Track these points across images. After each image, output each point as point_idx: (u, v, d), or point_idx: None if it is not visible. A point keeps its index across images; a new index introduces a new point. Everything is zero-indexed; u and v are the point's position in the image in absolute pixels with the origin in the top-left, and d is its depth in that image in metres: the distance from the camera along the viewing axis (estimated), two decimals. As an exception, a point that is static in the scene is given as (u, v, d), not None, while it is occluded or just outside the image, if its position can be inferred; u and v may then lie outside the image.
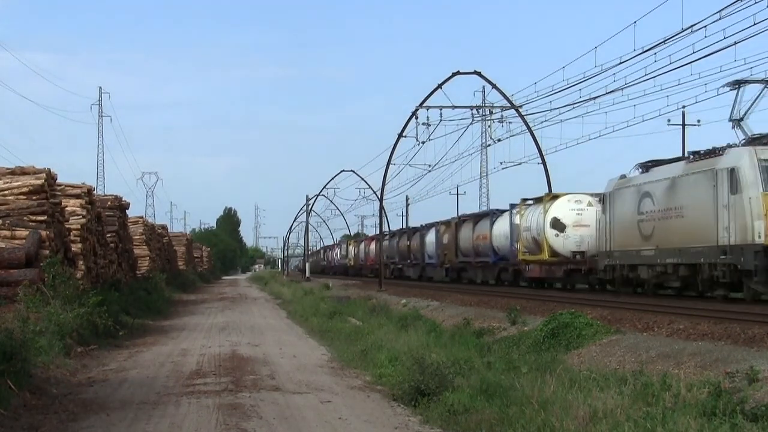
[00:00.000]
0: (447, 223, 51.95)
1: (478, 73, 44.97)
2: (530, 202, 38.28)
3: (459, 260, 48.31)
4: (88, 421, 10.89)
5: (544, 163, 44.36)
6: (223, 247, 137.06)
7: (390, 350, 16.64)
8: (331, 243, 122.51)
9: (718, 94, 27.63)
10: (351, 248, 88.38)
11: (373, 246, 71.60)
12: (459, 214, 55.02)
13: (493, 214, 44.12)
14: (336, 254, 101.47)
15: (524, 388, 11.31)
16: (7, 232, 21.43)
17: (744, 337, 14.49)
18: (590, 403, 9.89)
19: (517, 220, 38.38)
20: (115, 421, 10.92)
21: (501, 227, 41.71)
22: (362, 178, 78.56)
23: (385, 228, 66.45)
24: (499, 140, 45.47)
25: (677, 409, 9.51)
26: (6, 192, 23.03)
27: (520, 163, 46.73)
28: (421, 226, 59.16)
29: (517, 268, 39.27)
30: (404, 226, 70.75)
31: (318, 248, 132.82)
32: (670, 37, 25.87)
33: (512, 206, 40.03)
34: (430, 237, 54.89)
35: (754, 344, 13.58)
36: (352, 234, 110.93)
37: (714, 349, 13.28)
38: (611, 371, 12.73)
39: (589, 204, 33.79)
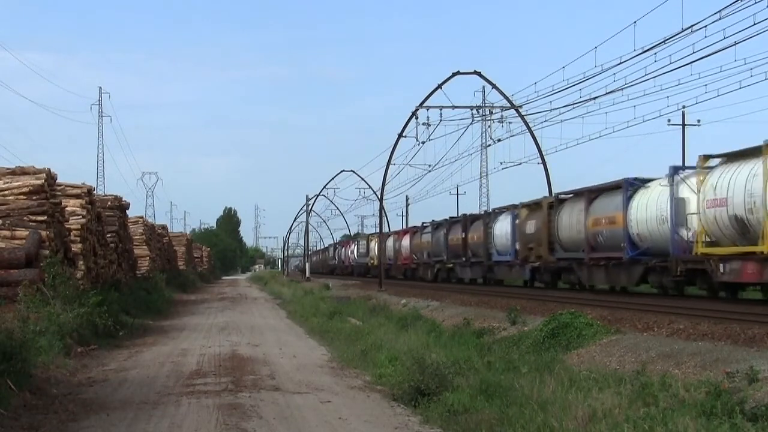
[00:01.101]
0: (533, 204, 38.08)
1: (478, 73, 45.02)
2: (717, 160, 24.64)
3: (557, 257, 34.60)
4: (88, 421, 10.89)
5: (544, 163, 44.42)
6: (223, 247, 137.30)
7: (390, 350, 16.63)
8: (341, 240, 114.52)
9: (718, 95, 27.53)
10: (374, 245, 73.53)
11: (407, 241, 61.53)
12: (554, 192, 38.54)
13: (629, 186, 29.25)
14: (351, 252, 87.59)
15: (524, 388, 11.32)
16: (7, 232, 21.43)
17: (744, 337, 14.49)
18: (590, 404, 9.90)
19: (685, 191, 25.79)
20: (115, 421, 10.92)
21: (646, 202, 28.01)
22: (362, 178, 78.55)
23: (385, 228, 64.97)
24: (499, 140, 45.39)
25: (677, 409, 9.52)
26: (6, 192, 23.03)
27: (520, 163, 46.65)
28: (485, 212, 47.78)
29: (695, 268, 24.93)
30: (457, 215, 53.28)
31: (324, 246, 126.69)
32: (670, 37, 25.88)
33: (676, 169, 26.45)
34: (502, 225, 41.20)
35: (754, 344, 13.57)
36: (351, 234, 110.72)
37: (714, 349, 13.27)
38: (611, 371, 12.73)
39: None
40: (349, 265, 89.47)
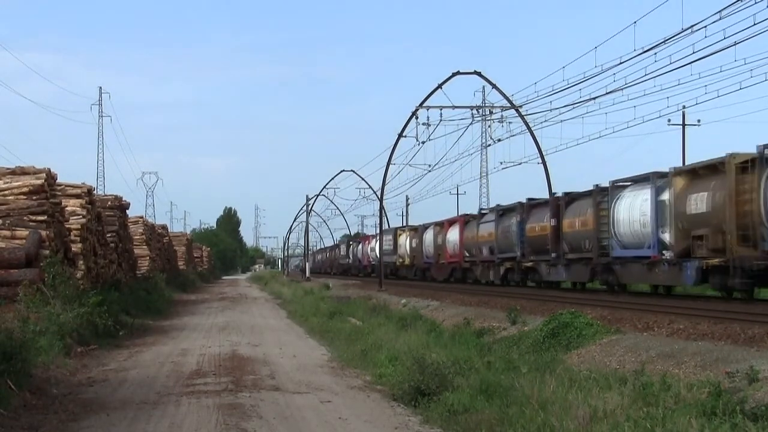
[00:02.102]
0: (702, 169, 25.10)
1: (478, 73, 45.01)
2: None
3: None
4: (88, 421, 10.89)
5: (544, 163, 44.39)
6: (223, 247, 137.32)
7: (390, 350, 16.63)
8: (342, 238, 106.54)
9: (718, 95, 27.44)
10: (405, 239, 60.96)
11: (455, 233, 48.13)
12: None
13: None
14: (372, 250, 72.65)
15: (524, 388, 11.31)
16: (7, 232, 21.43)
17: (744, 337, 14.49)
18: (590, 403, 9.89)
19: None
20: (115, 421, 10.92)
21: None
22: (362, 178, 78.33)
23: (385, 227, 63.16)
24: (499, 140, 45.23)
25: (677, 409, 9.51)
26: (6, 192, 23.03)
27: (520, 163, 46.43)
28: (597, 187, 31.14)
29: None
30: (550, 195, 38.42)
31: (334, 243, 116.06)
32: (670, 37, 25.86)
33: None
34: (634, 203, 28.41)
35: (754, 344, 13.58)
36: (352, 233, 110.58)
37: (714, 349, 13.27)
38: (611, 371, 12.72)
39: None
40: (368, 265, 75.67)
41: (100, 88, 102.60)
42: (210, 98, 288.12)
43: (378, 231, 57.20)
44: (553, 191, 40.47)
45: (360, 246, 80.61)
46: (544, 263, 35.38)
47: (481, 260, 43.57)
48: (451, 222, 50.72)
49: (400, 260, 61.57)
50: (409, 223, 76.57)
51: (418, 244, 55.75)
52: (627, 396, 10.32)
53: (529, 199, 38.57)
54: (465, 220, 47.78)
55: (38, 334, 15.71)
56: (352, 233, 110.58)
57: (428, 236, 53.85)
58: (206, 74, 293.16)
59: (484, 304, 27.46)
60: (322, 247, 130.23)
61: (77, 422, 10.83)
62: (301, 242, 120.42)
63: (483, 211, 46.38)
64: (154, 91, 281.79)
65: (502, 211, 41.30)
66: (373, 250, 71.08)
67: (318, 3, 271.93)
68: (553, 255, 34.12)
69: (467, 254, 46.19)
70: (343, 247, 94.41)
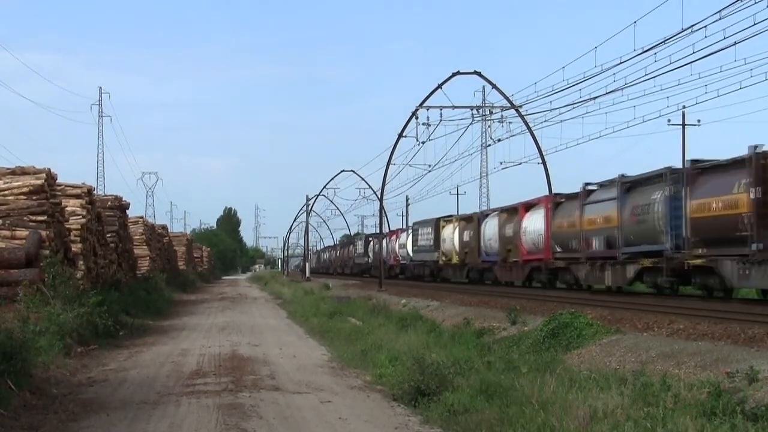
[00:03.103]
0: None
1: (478, 73, 45.07)
2: None
3: None
4: (88, 421, 10.89)
5: (544, 163, 44.44)
6: (223, 247, 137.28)
7: (390, 350, 16.64)
8: (342, 239, 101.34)
9: (718, 95, 27.27)
10: (453, 232, 48.00)
11: (536, 221, 36.02)
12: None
13: None
14: (402, 246, 61.36)
15: (524, 388, 11.31)
16: (7, 232, 21.43)
17: (744, 337, 14.50)
18: (590, 403, 9.89)
19: None
20: (115, 421, 10.92)
21: None
22: (362, 178, 78.28)
23: (385, 228, 62.32)
24: (499, 140, 45.17)
25: (677, 409, 9.51)
26: (6, 192, 23.03)
27: (520, 163, 46.22)
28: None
29: None
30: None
31: (346, 238, 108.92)
32: (670, 37, 25.83)
33: None
34: None
35: (754, 344, 13.59)
36: (351, 234, 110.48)
37: (714, 349, 13.28)
38: (611, 371, 12.73)
39: None
40: (395, 264, 64.33)
41: (100, 88, 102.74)
42: (210, 98, 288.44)
43: (378, 231, 56.92)
44: (552, 190, 40.26)
45: (384, 242, 62.99)
46: (732, 260, 22.42)
47: (589, 257, 31.23)
48: (528, 205, 37.89)
49: (444, 258, 49.34)
50: (409, 224, 75.34)
51: (473, 236, 43.79)
52: (627, 396, 10.33)
53: (694, 162, 25.22)
54: (555, 202, 35.45)
55: (38, 334, 15.72)
56: (352, 233, 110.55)
57: (489, 226, 41.93)
58: (206, 74, 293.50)
59: (484, 304, 27.47)
60: (332, 244, 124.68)
61: (77, 422, 10.83)
62: (301, 242, 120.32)
63: (590, 187, 32.47)
64: (154, 91, 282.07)
65: (631, 184, 28.95)
66: (403, 246, 60.83)
67: (318, 3, 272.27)
68: (757, 246, 21.36)
69: (558, 249, 34.14)
70: (360, 244, 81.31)
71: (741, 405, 9.28)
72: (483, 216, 44.67)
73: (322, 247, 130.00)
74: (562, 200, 35.17)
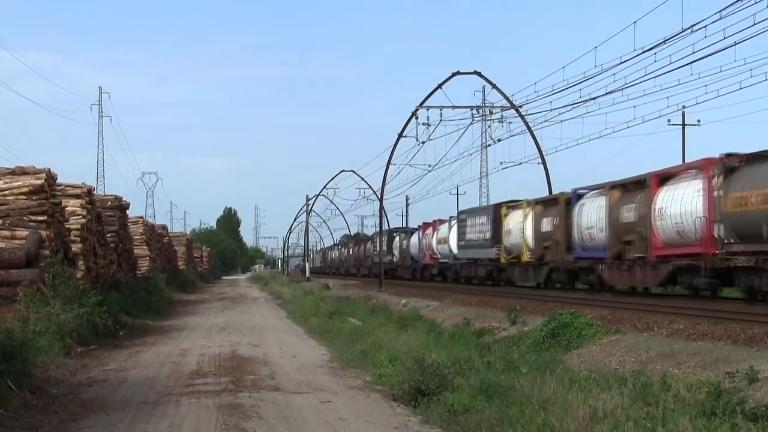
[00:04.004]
0: None
1: (478, 73, 45.08)
2: None
3: None
4: (88, 421, 10.89)
5: (544, 163, 44.44)
6: (223, 247, 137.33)
7: (390, 350, 16.63)
8: (356, 236, 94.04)
9: (718, 95, 27.27)
10: (523, 220, 37.74)
11: (676, 203, 25.23)
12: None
13: None
14: (441, 242, 51.01)
15: (524, 388, 11.31)
16: (7, 232, 21.42)
17: (744, 337, 14.50)
18: (590, 403, 9.89)
19: None
20: (115, 421, 10.92)
21: None
22: (362, 178, 78.21)
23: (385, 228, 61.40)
24: (499, 140, 45.19)
25: (677, 409, 9.51)
26: (6, 192, 23.02)
27: (520, 163, 46.00)
28: None
29: None
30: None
31: (364, 234, 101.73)
32: (670, 37, 25.88)
33: None
34: None
35: (754, 344, 13.58)
36: (351, 234, 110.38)
37: (714, 349, 13.28)
38: (611, 371, 12.73)
39: None
40: (431, 263, 54.14)
41: (100, 88, 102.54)
42: (210, 98, 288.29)
43: (379, 230, 56.73)
44: (552, 190, 40.15)
45: (415, 237, 55.40)
46: None
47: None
48: (665, 176, 27.13)
49: (508, 255, 39.54)
50: (409, 224, 73.97)
51: (558, 225, 33.89)
52: (627, 396, 10.33)
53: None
54: (728, 166, 23.07)
55: (38, 334, 15.71)
56: (352, 233, 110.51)
57: (590, 210, 31.46)
58: (206, 74, 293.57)
59: (484, 304, 27.46)
60: (343, 240, 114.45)
61: (77, 422, 10.83)
62: (301, 242, 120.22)
63: (619, 183, 28.29)
64: (154, 91, 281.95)
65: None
66: (444, 241, 49.96)
67: (318, 3, 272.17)
68: None
69: (732, 239, 22.74)
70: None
71: (741, 405, 9.27)
72: (577, 196, 33.00)
73: (331, 243, 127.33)
74: (740, 164, 22.67)
